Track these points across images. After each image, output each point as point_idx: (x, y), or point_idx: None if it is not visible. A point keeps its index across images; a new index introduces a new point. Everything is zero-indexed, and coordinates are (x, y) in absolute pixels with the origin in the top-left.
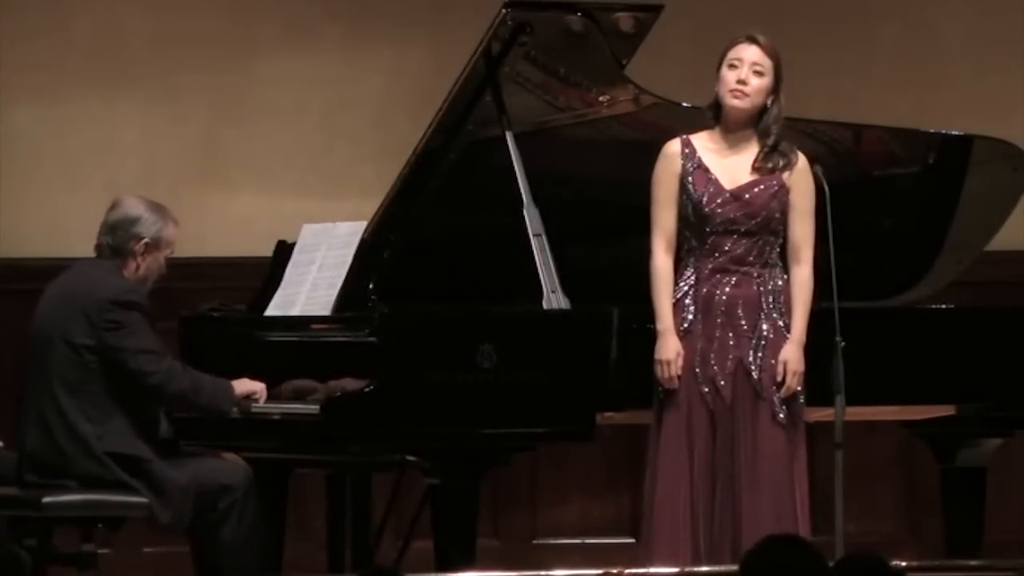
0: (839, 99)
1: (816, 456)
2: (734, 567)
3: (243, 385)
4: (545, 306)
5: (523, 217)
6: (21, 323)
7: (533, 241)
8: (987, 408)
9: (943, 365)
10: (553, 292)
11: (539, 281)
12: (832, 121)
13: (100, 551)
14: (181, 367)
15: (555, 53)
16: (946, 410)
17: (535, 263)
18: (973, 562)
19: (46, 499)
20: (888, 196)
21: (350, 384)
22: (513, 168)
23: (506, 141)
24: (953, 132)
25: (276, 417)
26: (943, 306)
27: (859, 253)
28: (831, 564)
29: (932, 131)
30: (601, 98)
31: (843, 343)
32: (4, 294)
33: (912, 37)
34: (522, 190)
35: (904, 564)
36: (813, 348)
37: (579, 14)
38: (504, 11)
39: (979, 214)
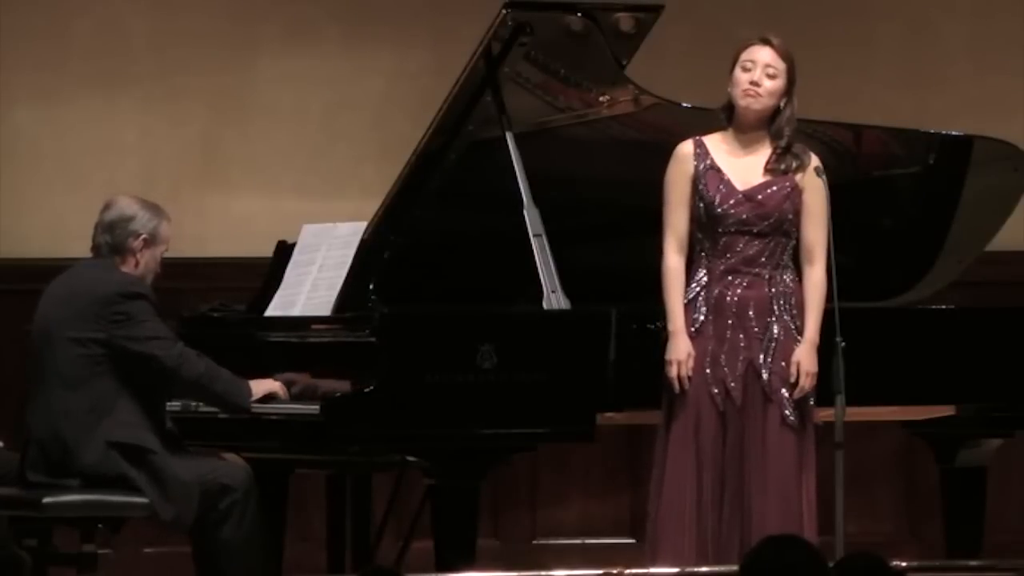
0: (839, 99)
1: (816, 456)
2: (734, 567)
3: (262, 385)
4: (545, 306)
5: (523, 217)
6: (21, 323)
7: (533, 241)
8: (987, 408)
9: (943, 365)
10: (553, 292)
11: (539, 281)
12: (832, 121)
13: (100, 551)
14: (196, 354)
15: (555, 53)
16: (946, 410)
17: (535, 263)
18: (973, 562)
19: (46, 499)
20: (888, 196)
21: (345, 386)
22: (513, 168)
23: (506, 141)
24: (953, 133)
25: (276, 417)
26: (943, 306)
27: (859, 253)
28: (831, 564)
29: (932, 131)
30: (601, 98)
31: (843, 343)
32: (4, 294)
33: (912, 37)
34: (522, 190)
35: (904, 564)
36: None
37: (579, 14)
38: (504, 11)
39: (979, 214)
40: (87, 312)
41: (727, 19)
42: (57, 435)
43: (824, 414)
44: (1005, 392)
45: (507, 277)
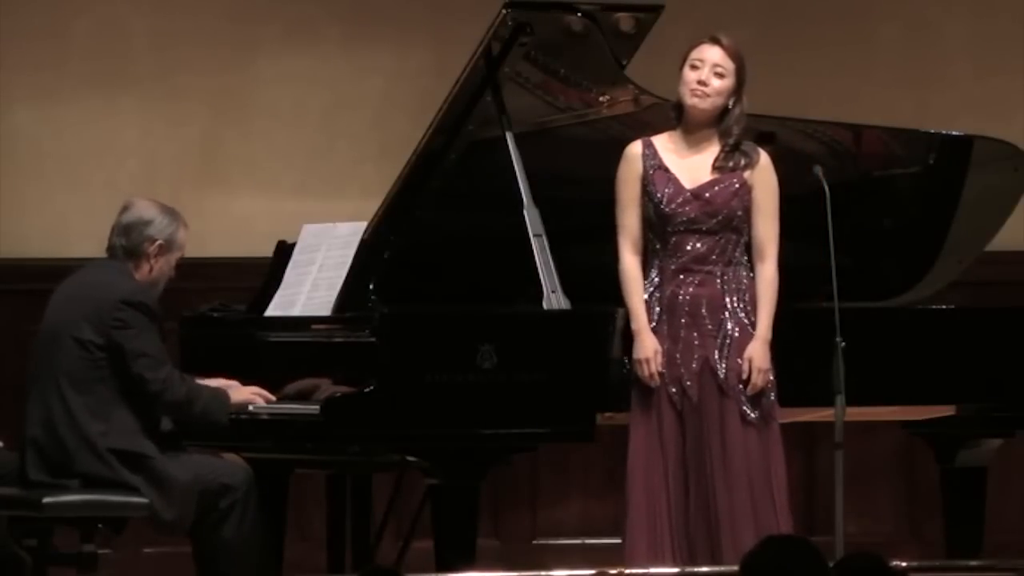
0: (839, 99)
1: (816, 456)
2: (734, 567)
3: (240, 394)
4: (545, 306)
5: (523, 217)
6: (22, 323)
7: (533, 241)
8: (987, 408)
9: (943, 365)
10: (553, 292)
11: (539, 281)
12: (832, 121)
13: (100, 551)
14: (179, 376)
15: (555, 53)
16: (946, 410)
17: (535, 263)
18: (973, 562)
19: (46, 499)
20: (888, 196)
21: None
22: (513, 168)
23: (506, 141)
24: (953, 132)
25: (276, 417)
26: (943, 306)
27: (859, 253)
28: (831, 564)
29: (932, 131)
30: (601, 98)
31: (843, 343)
32: (4, 294)
33: (912, 37)
34: (522, 190)
35: (904, 564)
36: (812, 348)
37: (579, 14)
38: (504, 11)
39: (979, 214)
40: (91, 314)
41: (727, 19)
42: (55, 437)
43: (824, 414)
44: (1005, 392)
45: (507, 277)
